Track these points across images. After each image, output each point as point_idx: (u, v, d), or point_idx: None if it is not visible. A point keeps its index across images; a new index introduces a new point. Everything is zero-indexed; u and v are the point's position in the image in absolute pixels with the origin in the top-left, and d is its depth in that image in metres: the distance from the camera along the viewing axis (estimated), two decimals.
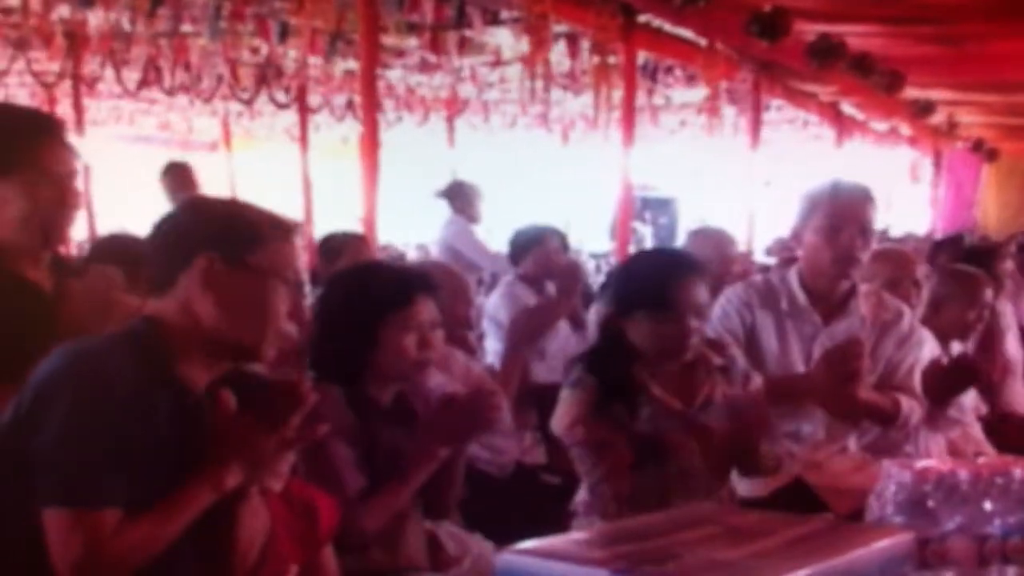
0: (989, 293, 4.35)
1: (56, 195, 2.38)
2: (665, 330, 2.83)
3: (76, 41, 8.75)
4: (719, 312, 3.51)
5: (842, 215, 3.34)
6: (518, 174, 16.13)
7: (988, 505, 1.58)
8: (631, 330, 2.88)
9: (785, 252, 6.19)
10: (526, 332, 4.19)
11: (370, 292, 2.81)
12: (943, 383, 3.69)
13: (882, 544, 1.40)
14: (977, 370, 3.80)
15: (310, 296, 6.02)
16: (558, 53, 8.29)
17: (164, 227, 2.09)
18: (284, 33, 8.25)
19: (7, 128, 2.37)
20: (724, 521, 1.47)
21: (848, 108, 12.09)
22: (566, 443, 2.91)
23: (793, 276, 3.50)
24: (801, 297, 3.46)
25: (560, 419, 2.85)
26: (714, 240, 4.94)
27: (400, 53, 9.05)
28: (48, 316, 2.35)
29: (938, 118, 12.18)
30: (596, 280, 9.89)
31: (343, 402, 2.71)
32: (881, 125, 13.29)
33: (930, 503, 1.57)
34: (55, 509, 1.84)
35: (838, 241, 3.34)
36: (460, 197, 7.36)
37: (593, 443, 2.81)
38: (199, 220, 2.06)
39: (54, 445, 1.84)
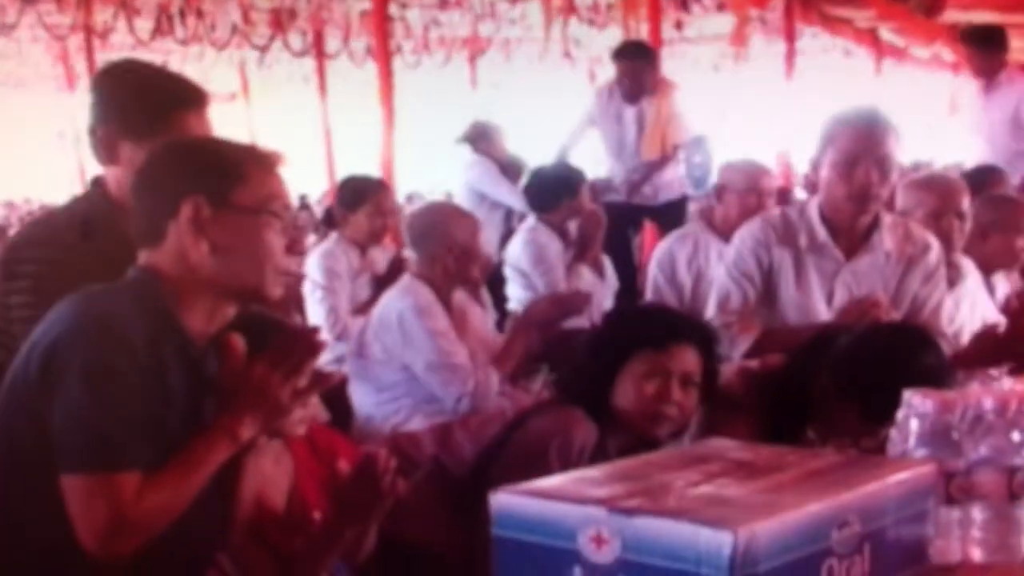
0: None
1: None
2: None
3: None
4: (733, 255, 3.30)
5: (857, 149, 3.12)
6: (545, 116, 15.78)
7: (1017, 435, 1.48)
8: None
9: (810, 185, 5.89)
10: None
11: (626, 325, 2.67)
12: (997, 352, 3.40)
13: (901, 477, 1.35)
14: None
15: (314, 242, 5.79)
16: None
17: (146, 177, 2.02)
18: None
19: (154, 94, 2.34)
20: (733, 457, 1.41)
21: (887, 34, 11.71)
22: None
23: (813, 209, 3.28)
24: (821, 232, 3.24)
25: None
26: (746, 172, 4.66)
27: None
28: None
29: None
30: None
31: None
32: (922, 51, 12.88)
33: (954, 434, 1.48)
34: (75, 475, 1.79)
35: (853, 176, 3.12)
36: (481, 138, 7.11)
37: None
38: (179, 165, 1.99)
39: (72, 409, 1.79)
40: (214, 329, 1.94)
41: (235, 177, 1.92)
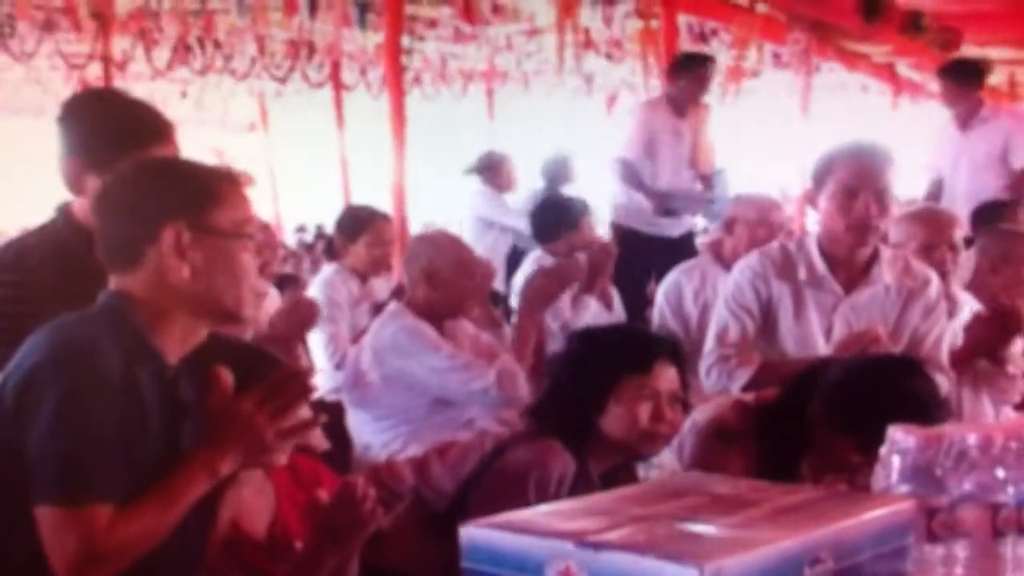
0: None
1: None
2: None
3: (104, 21, 8.59)
4: (732, 287, 3.28)
5: (856, 181, 3.11)
6: (562, 148, 15.82)
7: (1001, 472, 1.45)
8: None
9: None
10: (542, 294, 3.93)
11: (609, 351, 2.63)
12: (987, 333, 3.43)
13: (878, 513, 1.33)
14: (1020, 313, 3.48)
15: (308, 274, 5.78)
16: (596, 19, 8.03)
17: (116, 199, 1.98)
18: (313, 7, 8.06)
19: (117, 130, 2.36)
20: (711, 491, 1.39)
21: (904, 69, 11.71)
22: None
23: (812, 242, 3.26)
24: (820, 265, 3.22)
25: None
26: (757, 205, 4.64)
27: (433, 23, 8.82)
28: None
29: (997, 77, 11.74)
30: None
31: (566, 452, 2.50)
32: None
33: (937, 471, 1.46)
34: (46, 507, 1.78)
35: (852, 208, 3.11)
36: (488, 168, 7.16)
37: None
38: (155, 189, 1.96)
39: (45, 441, 1.77)
40: (187, 350, 1.93)
41: (212, 200, 1.91)
